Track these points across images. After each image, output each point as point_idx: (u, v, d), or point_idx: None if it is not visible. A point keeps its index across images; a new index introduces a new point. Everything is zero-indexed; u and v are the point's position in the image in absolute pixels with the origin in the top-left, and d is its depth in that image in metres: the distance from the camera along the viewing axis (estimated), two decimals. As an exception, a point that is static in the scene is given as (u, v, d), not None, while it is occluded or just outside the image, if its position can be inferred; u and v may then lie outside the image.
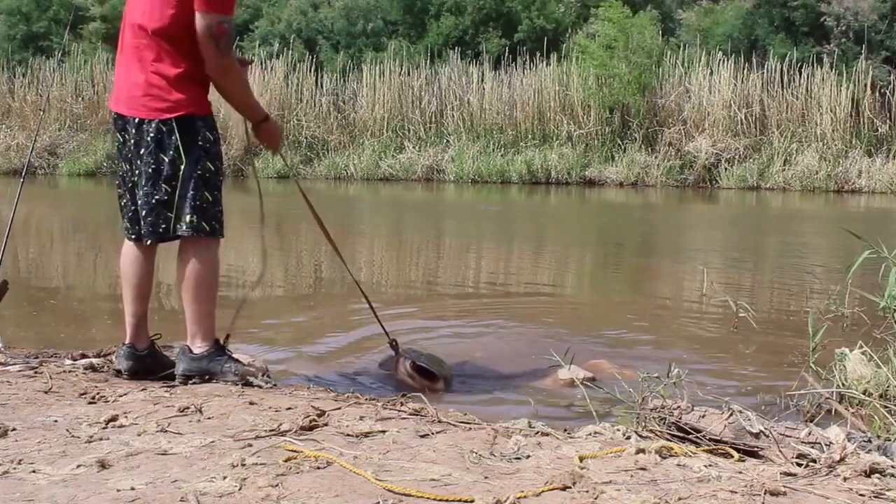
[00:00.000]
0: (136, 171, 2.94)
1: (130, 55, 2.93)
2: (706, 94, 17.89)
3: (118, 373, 3.04)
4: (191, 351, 2.96)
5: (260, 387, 2.88)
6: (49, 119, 20.19)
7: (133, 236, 3.02)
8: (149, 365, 3.04)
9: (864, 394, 2.83)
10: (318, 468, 1.98)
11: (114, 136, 3.06)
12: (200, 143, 2.92)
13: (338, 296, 5.59)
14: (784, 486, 1.88)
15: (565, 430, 2.42)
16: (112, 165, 19.28)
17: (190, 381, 2.91)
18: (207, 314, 2.97)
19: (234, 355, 3.03)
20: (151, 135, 2.87)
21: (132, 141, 2.93)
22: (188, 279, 2.93)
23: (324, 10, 22.38)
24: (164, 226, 2.90)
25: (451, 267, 7.22)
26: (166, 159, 2.87)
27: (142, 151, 2.90)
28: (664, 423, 2.37)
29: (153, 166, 2.87)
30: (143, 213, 2.92)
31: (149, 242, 2.95)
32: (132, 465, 2.00)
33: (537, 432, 2.35)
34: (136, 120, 2.89)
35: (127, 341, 3.03)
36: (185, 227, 2.90)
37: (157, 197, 2.88)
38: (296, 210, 12.72)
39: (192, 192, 2.89)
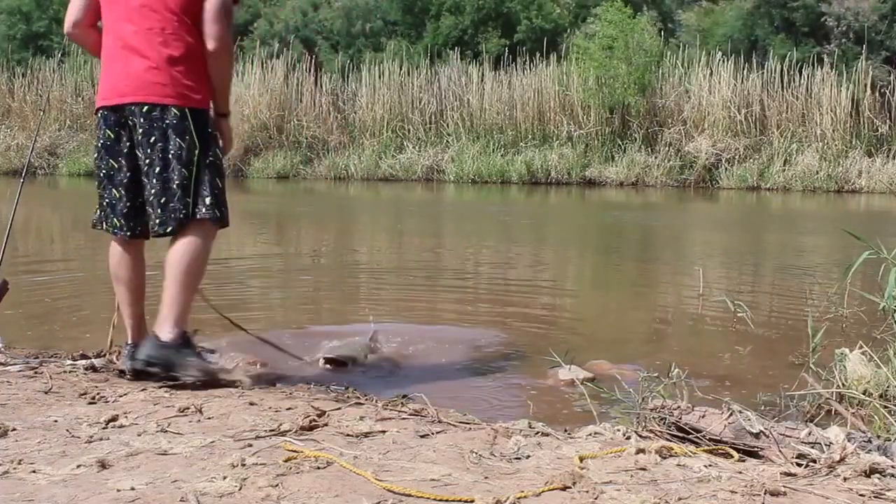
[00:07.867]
0: (146, 161, 2.86)
1: (138, 43, 2.85)
2: (706, 95, 17.91)
3: (121, 373, 3.02)
4: (158, 337, 2.84)
5: (230, 385, 2.83)
6: (49, 119, 20.22)
7: (128, 233, 2.95)
8: None
9: (864, 394, 2.83)
10: (318, 468, 1.98)
11: (99, 134, 2.93)
12: (210, 130, 2.94)
13: (335, 297, 5.59)
14: (784, 486, 1.88)
15: (565, 430, 2.42)
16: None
17: (150, 369, 2.82)
18: (186, 301, 2.89)
19: (200, 352, 2.96)
20: (168, 120, 2.83)
21: (140, 130, 2.85)
22: (181, 261, 2.86)
23: (323, 10, 22.41)
24: (184, 211, 2.85)
25: (451, 264, 7.22)
26: (184, 145, 2.85)
27: (153, 139, 2.84)
28: (664, 423, 2.37)
29: (172, 151, 2.84)
30: (162, 200, 2.86)
31: (168, 230, 2.87)
32: (132, 465, 2.00)
33: (537, 432, 2.35)
34: (146, 108, 2.83)
35: (129, 341, 3.03)
36: (204, 210, 2.88)
37: (177, 182, 2.85)
38: (296, 210, 12.75)
39: (208, 177, 2.89)
